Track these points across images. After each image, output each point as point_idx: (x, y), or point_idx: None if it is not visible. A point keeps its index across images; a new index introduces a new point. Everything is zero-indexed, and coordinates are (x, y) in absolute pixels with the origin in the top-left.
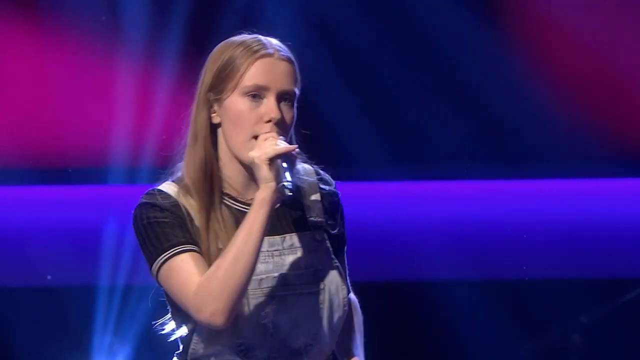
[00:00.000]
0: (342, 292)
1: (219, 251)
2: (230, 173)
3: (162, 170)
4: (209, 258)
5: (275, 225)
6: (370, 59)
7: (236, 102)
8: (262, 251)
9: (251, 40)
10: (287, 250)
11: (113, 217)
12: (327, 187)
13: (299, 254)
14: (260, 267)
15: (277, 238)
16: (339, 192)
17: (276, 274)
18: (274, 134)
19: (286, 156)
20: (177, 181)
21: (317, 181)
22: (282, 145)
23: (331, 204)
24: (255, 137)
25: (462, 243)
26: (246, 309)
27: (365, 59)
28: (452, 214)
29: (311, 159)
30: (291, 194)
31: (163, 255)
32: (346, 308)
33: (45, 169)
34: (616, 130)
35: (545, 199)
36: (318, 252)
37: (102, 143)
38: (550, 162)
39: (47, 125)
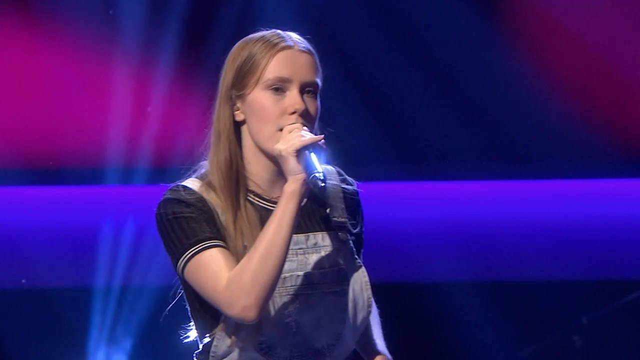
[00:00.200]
0: (367, 292)
1: (245, 249)
2: (256, 170)
3: (186, 168)
4: (235, 256)
5: (299, 223)
6: (371, 58)
7: (259, 97)
8: (287, 254)
9: (270, 34)
10: (311, 249)
11: (109, 217)
12: (349, 187)
13: (322, 253)
14: (284, 265)
15: (301, 236)
16: (359, 190)
17: (300, 273)
18: (299, 125)
19: (313, 147)
20: (201, 178)
21: (340, 181)
22: (307, 136)
23: (353, 203)
24: (281, 130)
25: (462, 244)
26: (269, 308)
27: (365, 58)
28: (452, 214)
29: None
30: (324, 184)
31: (190, 251)
32: (370, 309)
33: (39, 170)
34: (618, 131)
35: (546, 199)
36: (341, 251)
37: (98, 143)
38: (552, 162)
39: (42, 125)
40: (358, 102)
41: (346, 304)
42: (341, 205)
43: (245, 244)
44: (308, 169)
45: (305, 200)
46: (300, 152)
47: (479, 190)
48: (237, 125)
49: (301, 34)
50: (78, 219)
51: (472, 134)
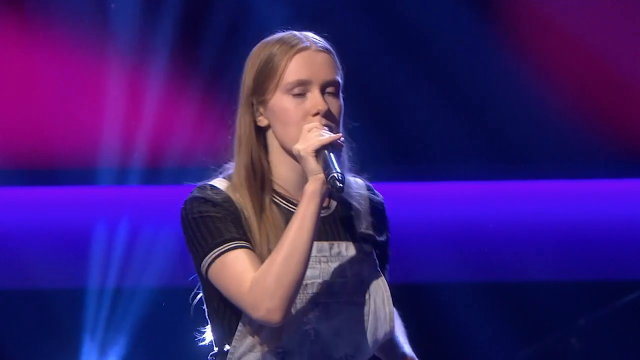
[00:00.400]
0: (389, 306)
1: (270, 253)
2: (284, 173)
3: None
4: (261, 259)
5: (325, 231)
6: (368, 58)
7: (281, 101)
8: (310, 256)
9: (286, 36)
10: (334, 258)
11: (103, 218)
12: (376, 198)
13: (346, 262)
14: (307, 272)
15: (326, 244)
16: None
17: (321, 281)
18: (318, 124)
19: (332, 146)
20: (228, 178)
21: (368, 193)
22: (326, 135)
23: (380, 216)
24: None
25: (459, 245)
26: (289, 313)
27: (362, 58)
28: (451, 214)
29: None
30: (341, 185)
31: (215, 251)
32: (392, 323)
33: (32, 170)
34: (618, 131)
35: (546, 199)
36: (365, 263)
37: (91, 143)
38: (552, 162)
39: (35, 125)
40: (356, 102)
41: (366, 316)
42: (368, 218)
43: (271, 247)
44: (326, 168)
45: (333, 207)
46: (319, 152)
47: (479, 190)
48: (262, 130)
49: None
50: (71, 220)
51: (471, 134)
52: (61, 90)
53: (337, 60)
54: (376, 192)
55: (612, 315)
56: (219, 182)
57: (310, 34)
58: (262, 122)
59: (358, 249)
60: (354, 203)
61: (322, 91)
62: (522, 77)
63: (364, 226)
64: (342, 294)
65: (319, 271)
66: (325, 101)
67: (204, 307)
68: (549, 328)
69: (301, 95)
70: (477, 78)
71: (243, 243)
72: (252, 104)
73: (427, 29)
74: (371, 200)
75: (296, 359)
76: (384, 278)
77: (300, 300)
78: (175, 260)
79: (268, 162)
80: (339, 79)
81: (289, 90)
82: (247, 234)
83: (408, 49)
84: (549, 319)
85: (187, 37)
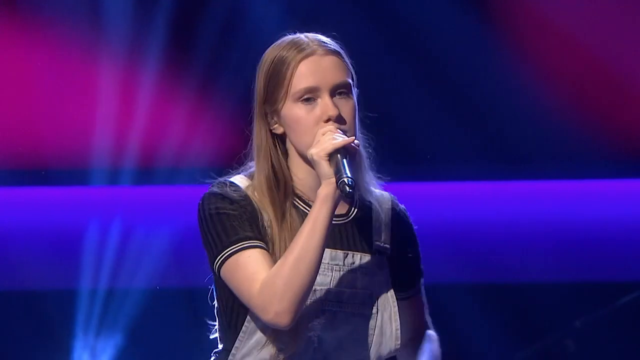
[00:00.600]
0: (395, 323)
1: None
2: (303, 178)
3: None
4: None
5: (341, 239)
6: (366, 58)
7: (292, 110)
8: (323, 263)
9: (292, 42)
10: (347, 267)
11: (95, 219)
12: (401, 212)
13: (357, 273)
14: (317, 278)
15: (340, 253)
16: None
17: (331, 288)
18: (332, 128)
19: (345, 150)
20: (249, 176)
21: (391, 208)
22: (339, 139)
23: (405, 230)
24: None
25: (459, 245)
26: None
27: (359, 58)
28: (451, 215)
29: None
30: (351, 190)
31: (229, 249)
32: (398, 342)
33: (25, 170)
34: (618, 131)
35: (546, 199)
36: (377, 276)
37: (84, 144)
38: (552, 162)
39: (28, 126)
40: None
41: (372, 330)
42: (387, 232)
43: None
44: (337, 173)
45: (352, 216)
46: (332, 156)
47: (479, 190)
48: (280, 136)
49: (288, 33)
50: (63, 220)
51: (471, 134)
52: (53, 90)
53: (346, 59)
54: (401, 206)
55: (609, 317)
56: (240, 180)
57: (316, 37)
58: (278, 129)
59: (372, 262)
60: (375, 215)
61: (332, 95)
62: (522, 77)
63: (382, 239)
64: (350, 304)
65: (330, 279)
66: (335, 105)
67: (214, 303)
68: (549, 329)
69: (312, 100)
70: (477, 78)
71: (257, 243)
72: (266, 114)
73: (427, 30)
74: (395, 214)
75: None
76: (393, 293)
77: (307, 306)
78: (167, 261)
79: (289, 168)
80: (349, 79)
81: (298, 99)
82: (265, 237)
83: (408, 49)
84: (549, 320)
85: (180, 38)
